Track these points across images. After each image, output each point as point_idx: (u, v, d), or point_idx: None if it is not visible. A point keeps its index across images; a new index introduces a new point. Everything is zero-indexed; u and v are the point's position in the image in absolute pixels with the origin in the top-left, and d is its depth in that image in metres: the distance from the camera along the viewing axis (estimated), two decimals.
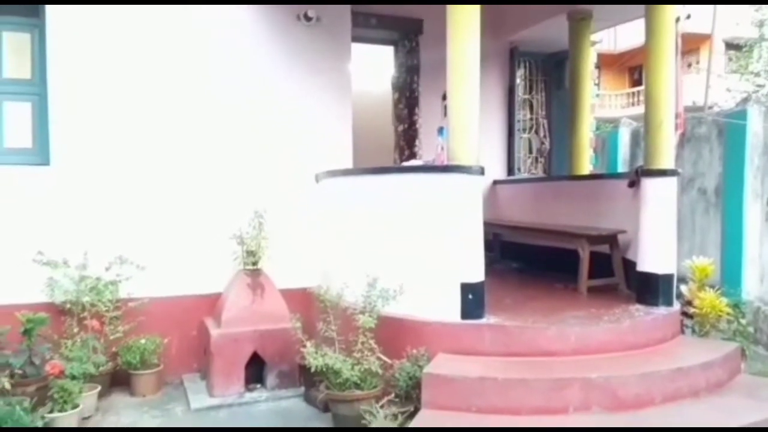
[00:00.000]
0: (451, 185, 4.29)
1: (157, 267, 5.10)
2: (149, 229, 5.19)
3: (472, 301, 4.21)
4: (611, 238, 5.47)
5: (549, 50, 8.32)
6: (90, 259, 4.83)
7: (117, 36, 5.13)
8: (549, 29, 7.47)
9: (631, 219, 5.17)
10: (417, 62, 7.42)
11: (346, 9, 5.87)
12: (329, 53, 5.81)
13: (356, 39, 6.20)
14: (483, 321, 4.22)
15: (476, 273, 4.26)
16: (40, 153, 4.99)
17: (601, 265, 5.44)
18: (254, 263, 5.17)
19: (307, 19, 5.59)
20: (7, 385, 3.91)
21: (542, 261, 6.69)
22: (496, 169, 7.91)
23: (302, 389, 4.83)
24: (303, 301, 5.27)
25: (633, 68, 26.62)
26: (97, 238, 4.97)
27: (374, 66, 8.12)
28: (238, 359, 4.78)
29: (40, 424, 3.76)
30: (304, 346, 4.28)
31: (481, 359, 4.06)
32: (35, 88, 4.99)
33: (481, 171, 4.29)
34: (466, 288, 4.20)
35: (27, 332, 4.24)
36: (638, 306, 4.77)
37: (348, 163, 5.83)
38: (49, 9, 4.93)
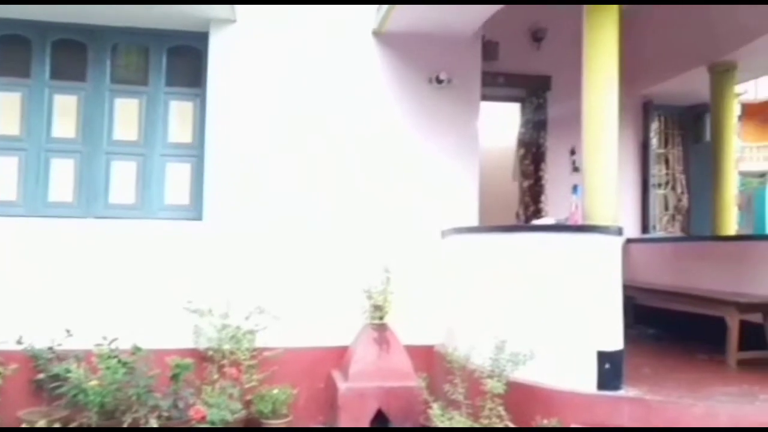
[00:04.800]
0: (587, 246, 4.13)
1: (290, 318, 5.31)
2: (285, 281, 5.44)
3: (610, 371, 3.97)
4: (765, 307, 4.98)
5: (686, 103, 7.97)
6: (231, 308, 5.14)
7: (265, 105, 5.58)
8: (687, 82, 7.17)
9: None
10: (544, 118, 7.40)
11: (476, 70, 5.96)
12: (458, 112, 5.89)
13: (483, 98, 6.26)
14: (621, 393, 3.95)
15: (614, 341, 4.03)
16: (195, 209, 5.49)
17: (751, 336, 4.95)
18: (381, 318, 5.24)
19: (439, 81, 5.72)
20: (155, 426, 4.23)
21: (681, 328, 6.20)
22: (630, 227, 7.50)
23: None
24: (426, 358, 5.25)
25: None
26: (238, 289, 5.29)
27: (496, 122, 8.14)
28: (363, 415, 4.80)
29: None
30: (430, 408, 4.23)
31: None
32: (194, 151, 5.54)
33: (619, 231, 4.11)
34: (603, 357, 3.98)
35: (174, 377, 4.58)
36: None
37: (474, 220, 5.82)
38: (210, 79, 5.48)
